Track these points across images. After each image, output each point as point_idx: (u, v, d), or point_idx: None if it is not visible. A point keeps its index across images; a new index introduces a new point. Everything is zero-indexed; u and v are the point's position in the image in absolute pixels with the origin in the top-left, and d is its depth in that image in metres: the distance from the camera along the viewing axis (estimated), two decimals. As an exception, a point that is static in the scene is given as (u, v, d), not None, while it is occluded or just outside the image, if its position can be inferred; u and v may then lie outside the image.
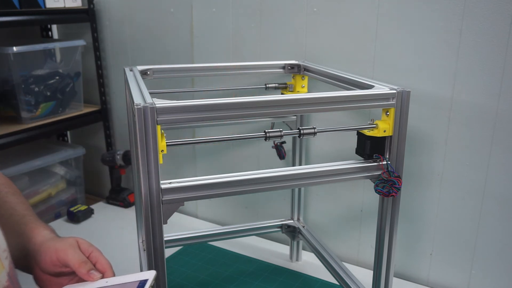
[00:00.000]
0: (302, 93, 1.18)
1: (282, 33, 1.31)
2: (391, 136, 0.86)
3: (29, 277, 0.79)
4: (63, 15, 1.60)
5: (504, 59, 1.03)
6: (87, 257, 0.75)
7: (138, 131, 0.71)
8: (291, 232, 1.35)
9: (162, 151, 0.75)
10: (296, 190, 1.33)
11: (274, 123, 1.24)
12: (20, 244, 0.77)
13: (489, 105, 1.06)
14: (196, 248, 1.42)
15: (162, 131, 0.76)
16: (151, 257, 0.78)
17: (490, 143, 1.09)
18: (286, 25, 1.30)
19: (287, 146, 1.28)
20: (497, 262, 1.14)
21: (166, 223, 0.77)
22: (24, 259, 0.77)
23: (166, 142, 0.76)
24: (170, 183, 0.77)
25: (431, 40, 1.10)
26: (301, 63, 1.19)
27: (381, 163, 0.86)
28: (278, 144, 1.26)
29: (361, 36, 1.19)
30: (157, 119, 0.72)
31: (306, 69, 1.18)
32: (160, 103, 0.73)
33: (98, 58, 1.71)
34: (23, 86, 1.47)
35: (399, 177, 0.86)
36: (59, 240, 0.78)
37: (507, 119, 1.05)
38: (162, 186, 0.76)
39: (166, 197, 0.76)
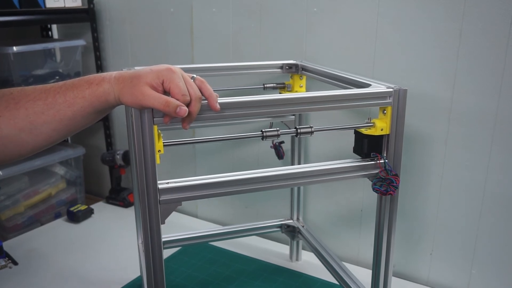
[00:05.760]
0: (299, 93, 1.17)
1: (282, 33, 1.31)
2: (388, 135, 0.85)
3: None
4: (63, 15, 1.60)
5: (504, 59, 1.02)
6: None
7: (135, 131, 0.71)
8: (291, 232, 1.34)
9: (159, 151, 0.75)
10: (296, 190, 1.33)
11: (272, 123, 1.24)
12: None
13: (489, 105, 1.06)
14: (196, 248, 1.42)
15: (159, 131, 0.76)
16: (149, 257, 0.78)
17: (490, 143, 1.08)
18: (286, 25, 1.30)
19: (286, 146, 1.28)
20: (497, 262, 1.14)
21: (163, 223, 0.77)
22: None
23: (164, 142, 0.76)
24: (167, 183, 0.77)
25: (431, 40, 1.10)
26: (299, 62, 1.19)
27: (378, 161, 0.86)
28: (277, 144, 1.26)
29: (361, 36, 1.19)
30: (154, 119, 0.72)
31: (304, 69, 1.18)
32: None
33: (98, 58, 1.71)
34: (23, 85, 1.47)
35: (396, 175, 0.86)
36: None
37: (507, 119, 1.05)
38: (160, 186, 0.76)
39: (164, 197, 0.76)
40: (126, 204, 1.70)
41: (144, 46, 1.61)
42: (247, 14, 1.35)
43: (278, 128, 0.83)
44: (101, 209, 1.69)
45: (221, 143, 1.50)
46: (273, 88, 1.22)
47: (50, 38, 1.80)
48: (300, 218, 1.36)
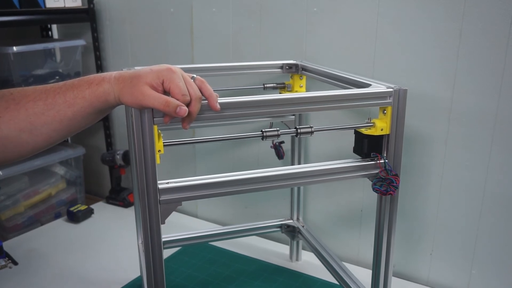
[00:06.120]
0: (299, 93, 1.17)
1: (282, 33, 1.31)
2: (388, 135, 0.85)
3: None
4: (63, 15, 1.60)
5: (504, 59, 1.02)
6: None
7: (135, 131, 0.71)
8: (291, 232, 1.34)
9: (159, 151, 0.75)
10: (296, 189, 1.33)
11: (272, 123, 1.24)
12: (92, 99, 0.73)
13: (489, 105, 1.06)
14: (196, 248, 1.42)
15: (159, 131, 0.76)
16: (149, 257, 0.78)
17: (490, 143, 1.08)
18: (286, 25, 1.30)
19: (286, 146, 1.28)
20: (497, 262, 1.14)
21: (164, 223, 0.77)
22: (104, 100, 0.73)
23: (164, 142, 0.76)
24: (167, 183, 0.77)
25: (431, 40, 1.10)
26: (299, 62, 1.19)
27: (378, 161, 0.86)
28: (277, 144, 1.26)
29: (361, 36, 1.19)
30: (154, 119, 0.72)
31: (304, 69, 1.18)
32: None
33: (98, 58, 1.71)
34: (23, 85, 1.46)
35: (396, 175, 0.86)
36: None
37: (507, 119, 1.05)
38: (160, 186, 0.76)
39: (164, 197, 0.76)
40: (126, 204, 1.70)
41: (144, 46, 1.61)
42: (247, 14, 1.35)
43: (278, 128, 0.83)
44: (101, 209, 1.69)
45: (221, 143, 1.50)
46: (273, 88, 1.22)
47: (50, 38, 1.80)
48: (300, 218, 1.36)
